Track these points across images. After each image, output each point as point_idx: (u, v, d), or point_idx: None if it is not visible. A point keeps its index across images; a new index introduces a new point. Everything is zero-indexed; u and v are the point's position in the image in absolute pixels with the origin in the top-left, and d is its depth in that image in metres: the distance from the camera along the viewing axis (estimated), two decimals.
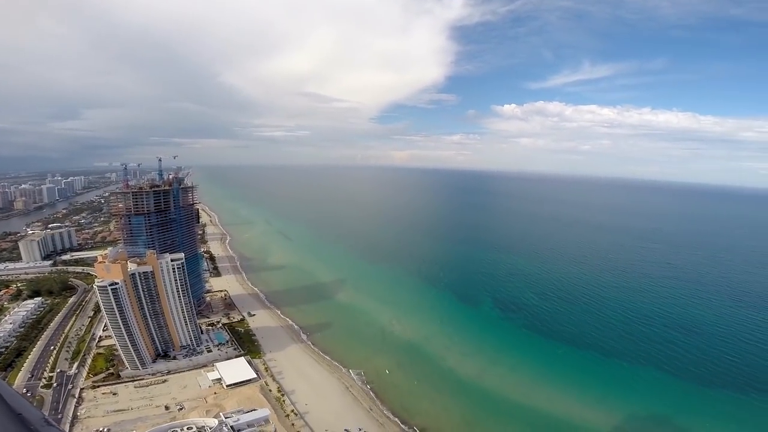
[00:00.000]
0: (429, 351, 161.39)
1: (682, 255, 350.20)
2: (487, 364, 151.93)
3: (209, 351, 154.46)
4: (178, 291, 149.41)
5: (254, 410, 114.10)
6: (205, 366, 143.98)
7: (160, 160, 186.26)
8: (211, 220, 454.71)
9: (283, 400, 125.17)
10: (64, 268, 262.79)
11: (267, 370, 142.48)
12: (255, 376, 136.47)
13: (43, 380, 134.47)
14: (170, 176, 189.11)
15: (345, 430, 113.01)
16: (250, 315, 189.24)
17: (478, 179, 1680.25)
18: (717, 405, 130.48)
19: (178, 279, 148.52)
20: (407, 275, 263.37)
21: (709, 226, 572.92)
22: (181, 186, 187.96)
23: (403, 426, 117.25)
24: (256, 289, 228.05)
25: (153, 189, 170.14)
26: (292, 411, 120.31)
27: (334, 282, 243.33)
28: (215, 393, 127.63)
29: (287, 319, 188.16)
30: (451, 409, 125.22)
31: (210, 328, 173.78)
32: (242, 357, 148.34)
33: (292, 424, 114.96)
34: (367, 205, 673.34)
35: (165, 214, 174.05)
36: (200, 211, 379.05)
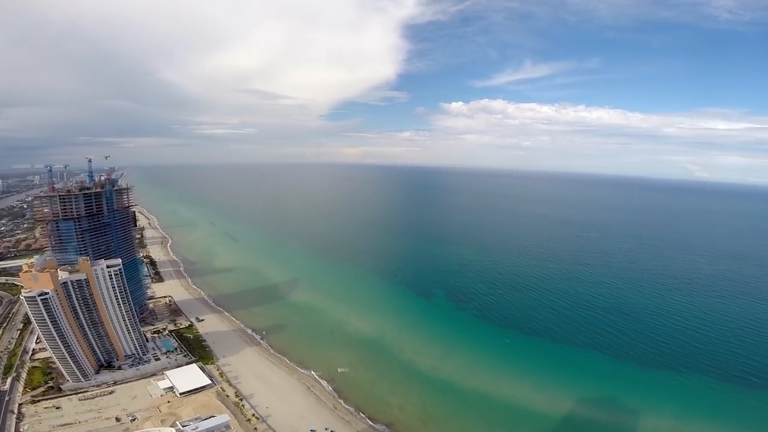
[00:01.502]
0: (388, 346, 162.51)
1: (614, 243, 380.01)
2: (444, 355, 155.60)
3: (157, 359, 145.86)
4: (117, 298, 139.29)
5: (213, 417, 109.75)
6: (154, 375, 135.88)
7: (89, 160, 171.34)
8: (149, 223, 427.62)
9: (243, 405, 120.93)
10: None
11: (222, 376, 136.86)
12: (209, 382, 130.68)
13: None
14: (102, 177, 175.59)
15: (311, 431, 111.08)
16: (198, 320, 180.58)
17: (428, 175, 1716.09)
18: (654, 383, 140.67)
19: (116, 286, 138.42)
20: (362, 272, 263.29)
21: (637, 216, 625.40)
22: (115, 188, 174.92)
23: (370, 422, 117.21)
24: (203, 293, 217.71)
25: (83, 192, 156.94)
26: (253, 415, 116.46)
27: (287, 282, 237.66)
28: (168, 402, 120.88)
29: (239, 322, 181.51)
30: (414, 402, 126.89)
31: (156, 335, 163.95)
32: (194, 363, 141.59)
33: (255, 429, 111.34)
34: (318, 203, 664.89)
35: (97, 218, 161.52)
36: (137, 213, 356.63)
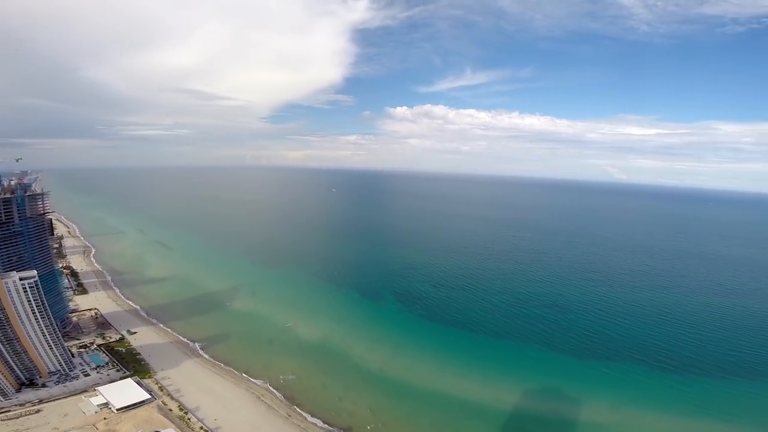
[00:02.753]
0: (336, 349, 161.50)
1: (545, 242, 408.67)
2: (393, 355, 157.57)
3: (86, 375, 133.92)
4: (33, 313, 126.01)
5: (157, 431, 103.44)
6: (84, 391, 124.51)
7: None
8: (69, 232, 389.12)
9: (188, 419, 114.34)
10: None
11: (162, 390, 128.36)
12: (149, 396, 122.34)
13: None
14: (12, 182, 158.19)
15: None
16: (130, 333, 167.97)
17: (373, 178, 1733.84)
18: (588, 371, 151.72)
19: (32, 299, 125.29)
20: (305, 277, 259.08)
21: (564, 216, 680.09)
22: (28, 193, 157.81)
23: (326, 426, 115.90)
24: (133, 304, 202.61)
25: None
26: (201, 428, 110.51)
27: (227, 290, 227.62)
28: (105, 418, 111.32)
29: (176, 333, 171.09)
30: (367, 403, 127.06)
31: (83, 350, 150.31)
32: (129, 378, 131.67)
33: None
34: (258, 207, 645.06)
35: (7, 227, 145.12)
36: (55, 221, 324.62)
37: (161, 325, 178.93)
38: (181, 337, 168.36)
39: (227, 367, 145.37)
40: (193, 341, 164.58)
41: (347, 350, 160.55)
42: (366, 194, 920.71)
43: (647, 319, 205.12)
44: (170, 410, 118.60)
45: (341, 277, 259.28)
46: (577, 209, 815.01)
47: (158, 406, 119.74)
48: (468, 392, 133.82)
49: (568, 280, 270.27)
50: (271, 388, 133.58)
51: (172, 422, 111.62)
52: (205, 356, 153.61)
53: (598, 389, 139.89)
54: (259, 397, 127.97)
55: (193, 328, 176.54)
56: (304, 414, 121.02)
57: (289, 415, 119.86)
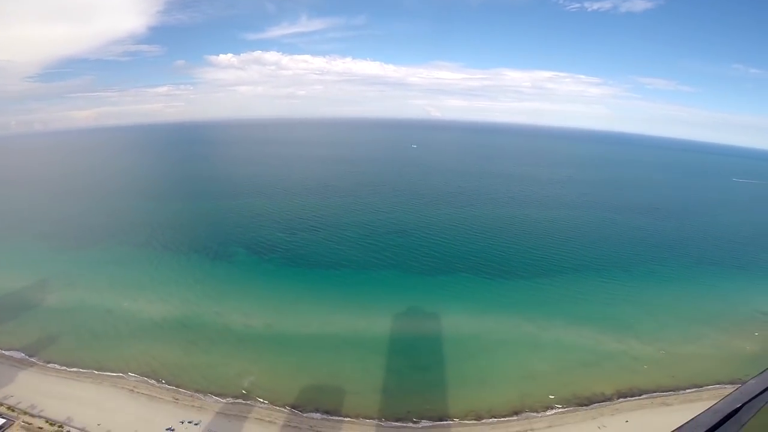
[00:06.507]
0: (194, 319, 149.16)
1: (380, 174, 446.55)
2: (260, 308, 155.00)
3: None
4: None
5: None
6: None
7: None
8: None
9: (68, 431, 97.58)
10: None
11: (13, 410, 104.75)
12: (3, 420, 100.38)
13: None
14: None
15: (167, 429, 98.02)
16: None
17: (196, 130, 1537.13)
18: (436, 287, 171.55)
19: None
20: (131, 250, 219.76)
21: (394, 150, 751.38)
22: None
23: (221, 400, 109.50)
24: None
25: None
26: None
27: (31, 287, 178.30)
28: None
29: None
30: (258, 362, 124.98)
31: None
32: None
33: None
34: (41, 181, 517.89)
35: None
36: None
37: None
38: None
39: (73, 369, 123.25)
40: (18, 350, 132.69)
41: (206, 317, 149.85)
42: (189, 148, 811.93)
43: (469, 233, 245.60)
44: (40, 428, 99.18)
45: (177, 242, 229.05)
46: (403, 143, 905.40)
47: (22, 426, 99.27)
48: (342, 326, 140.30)
49: (404, 206, 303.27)
50: (142, 377, 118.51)
51: None
52: (43, 363, 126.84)
53: (447, 300, 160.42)
54: (132, 390, 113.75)
55: (8, 338, 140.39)
56: (196, 394, 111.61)
57: (177, 399, 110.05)
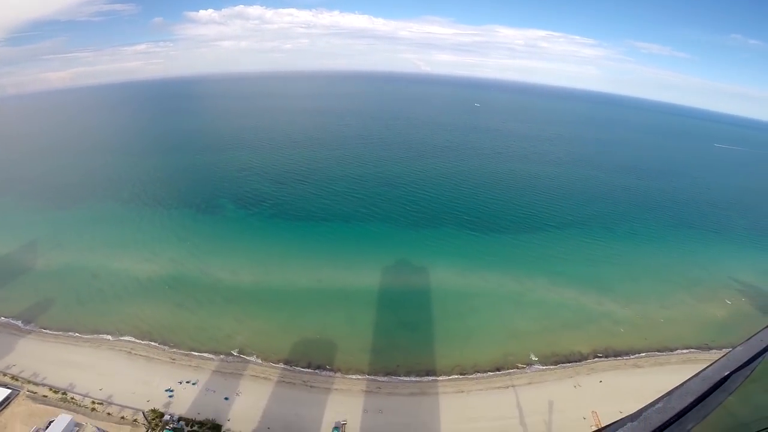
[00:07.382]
0: (187, 276, 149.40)
1: (368, 126, 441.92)
2: (251, 263, 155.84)
3: None
4: None
5: (52, 421, 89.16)
6: None
7: None
8: None
9: (72, 398, 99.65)
10: None
11: (17, 379, 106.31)
12: (9, 390, 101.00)
13: None
14: None
15: (167, 391, 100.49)
16: None
17: (178, 85, 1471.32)
18: (422, 239, 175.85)
19: None
20: (116, 207, 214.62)
21: (382, 102, 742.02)
22: None
23: (220, 357, 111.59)
24: None
25: None
26: (93, 402, 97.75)
27: (18, 251, 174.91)
28: None
29: None
30: (249, 319, 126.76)
31: None
32: None
33: (108, 414, 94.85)
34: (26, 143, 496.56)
35: None
36: None
37: None
38: None
39: (70, 334, 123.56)
40: (13, 318, 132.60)
41: (194, 276, 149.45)
42: (171, 103, 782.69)
43: (455, 187, 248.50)
44: (45, 396, 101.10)
45: (161, 198, 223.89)
46: (392, 96, 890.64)
47: (28, 396, 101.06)
48: (330, 282, 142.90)
49: (393, 158, 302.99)
50: (136, 340, 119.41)
51: (57, 408, 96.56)
52: (36, 330, 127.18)
53: (433, 255, 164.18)
54: (130, 352, 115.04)
55: (1, 305, 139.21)
56: (192, 352, 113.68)
57: (174, 359, 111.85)
